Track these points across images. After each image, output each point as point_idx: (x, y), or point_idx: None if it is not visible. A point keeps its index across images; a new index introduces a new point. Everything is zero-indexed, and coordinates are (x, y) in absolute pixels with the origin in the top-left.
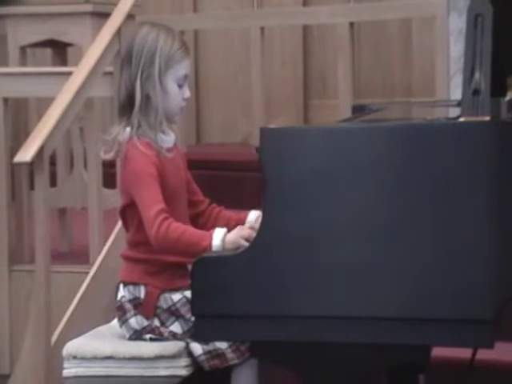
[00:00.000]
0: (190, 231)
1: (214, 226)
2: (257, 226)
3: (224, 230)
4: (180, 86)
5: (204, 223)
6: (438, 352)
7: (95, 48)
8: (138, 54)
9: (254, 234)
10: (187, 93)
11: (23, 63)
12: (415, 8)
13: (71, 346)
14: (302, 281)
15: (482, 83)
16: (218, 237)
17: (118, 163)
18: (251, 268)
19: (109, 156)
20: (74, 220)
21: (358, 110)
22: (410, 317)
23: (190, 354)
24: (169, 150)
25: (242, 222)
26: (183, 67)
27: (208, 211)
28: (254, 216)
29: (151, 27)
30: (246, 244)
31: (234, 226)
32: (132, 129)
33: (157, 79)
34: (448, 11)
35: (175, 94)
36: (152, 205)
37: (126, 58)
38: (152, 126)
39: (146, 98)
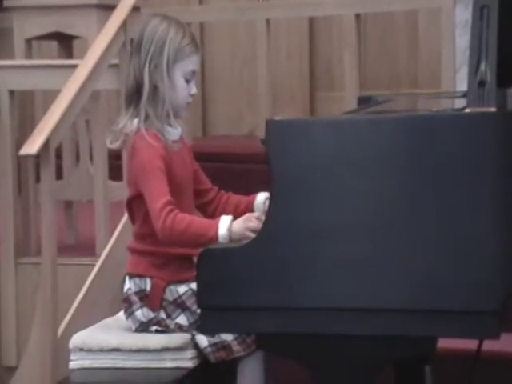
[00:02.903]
0: (196, 222)
1: (223, 213)
2: (263, 217)
3: (230, 217)
4: (187, 81)
5: (213, 210)
6: (443, 343)
7: (101, 40)
8: (147, 43)
9: (260, 226)
10: (194, 89)
11: (29, 56)
12: None
13: (77, 338)
14: (308, 273)
15: (488, 74)
16: (224, 226)
17: (124, 155)
18: (257, 260)
19: (115, 145)
20: (80, 212)
21: (363, 101)
22: (415, 309)
23: (196, 346)
24: (175, 142)
25: (250, 204)
26: (191, 62)
27: (217, 199)
28: (262, 197)
29: (162, 19)
30: (253, 235)
31: (244, 210)
32: (140, 120)
33: (165, 70)
34: (454, 3)
35: (182, 88)
36: (158, 197)
37: (135, 46)
38: (159, 117)
39: (154, 89)
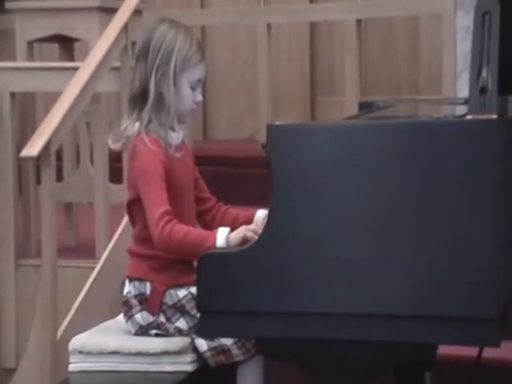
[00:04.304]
0: (193, 232)
1: (221, 223)
2: (260, 230)
3: (227, 229)
4: (193, 89)
5: (211, 220)
6: (443, 350)
7: (102, 43)
8: (155, 50)
9: (259, 231)
10: (199, 97)
11: (30, 58)
12: (422, 5)
13: (77, 341)
14: (308, 277)
15: (489, 81)
16: (222, 236)
17: (125, 158)
18: (257, 264)
19: (116, 146)
20: (81, 215)
21: (364, 107)
22: (415, 315)
23: (195, 349)
24: (177, 146)
25: (249, 219)
26: (198, 71)
27: (215, 208)
28: (261, 215)
29: (171, 25)
30: (254, 236)
31: (242, 224)
32: (141, 124)
33: (171, 79)
34: (455, 9)
35: (188, 96)
36: (157, 206)
37: (142, 51)
38: (162, 124)
39: (159, 96)
